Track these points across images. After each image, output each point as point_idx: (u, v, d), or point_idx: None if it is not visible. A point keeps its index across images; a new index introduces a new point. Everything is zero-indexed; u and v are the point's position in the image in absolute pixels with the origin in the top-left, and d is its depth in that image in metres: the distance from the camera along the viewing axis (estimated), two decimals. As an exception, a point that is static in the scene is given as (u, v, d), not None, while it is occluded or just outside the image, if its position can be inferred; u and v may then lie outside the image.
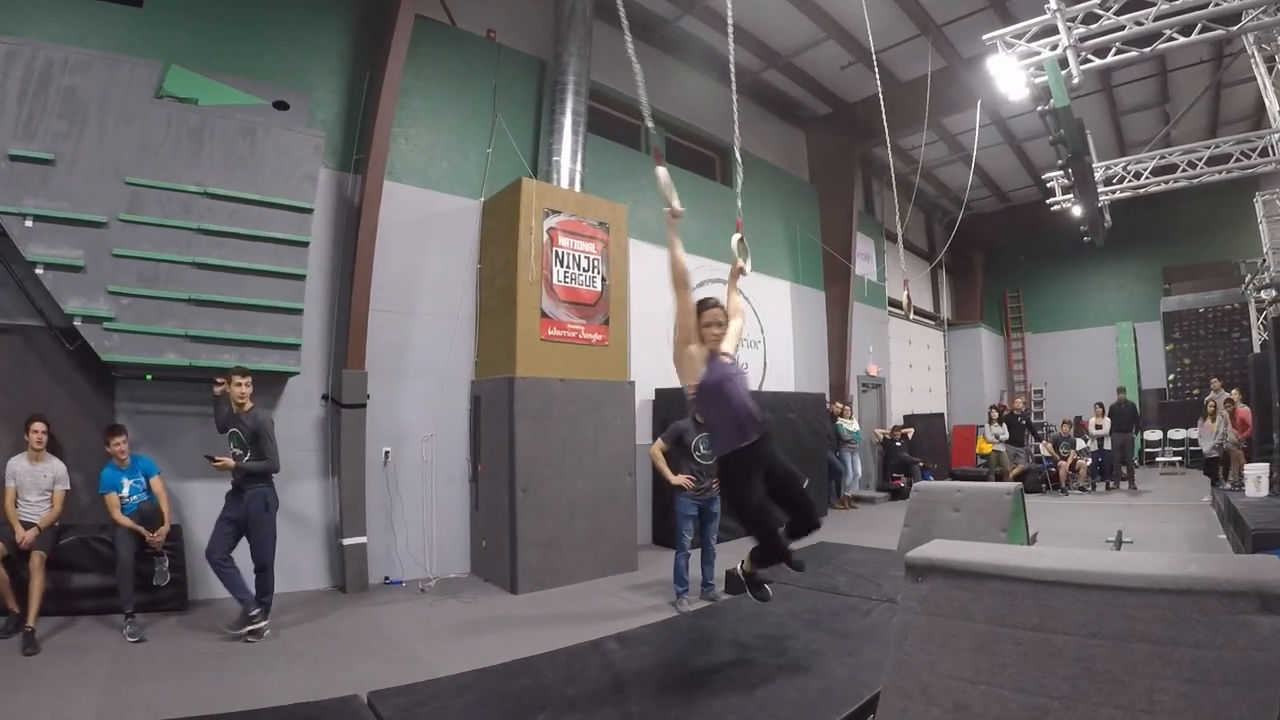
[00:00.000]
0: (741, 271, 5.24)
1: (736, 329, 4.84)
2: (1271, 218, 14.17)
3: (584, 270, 9.39)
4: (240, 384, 6.62)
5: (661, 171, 4.61)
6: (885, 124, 10.93)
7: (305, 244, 7.81)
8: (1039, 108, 8.86)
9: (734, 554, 8.69)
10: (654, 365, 11.17)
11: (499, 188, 9.57)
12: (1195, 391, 19.20)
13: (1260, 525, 8.16)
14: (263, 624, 6.41)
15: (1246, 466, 11.32)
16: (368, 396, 8.44)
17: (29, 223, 6.59)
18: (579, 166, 10.07)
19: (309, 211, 7.84)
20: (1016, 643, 3.09)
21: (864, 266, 17.78)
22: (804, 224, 16.20)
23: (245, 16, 8.20)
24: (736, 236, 5.31)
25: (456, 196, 9.61)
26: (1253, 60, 10.45)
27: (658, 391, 11.35)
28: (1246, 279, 17.22)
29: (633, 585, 8.49)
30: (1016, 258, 25.10)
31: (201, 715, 3.84)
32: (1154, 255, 22.09)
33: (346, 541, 8.28)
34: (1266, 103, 10.75)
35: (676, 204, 4.56)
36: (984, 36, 8.91)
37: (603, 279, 9.57)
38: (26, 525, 6.31)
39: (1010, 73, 8.62)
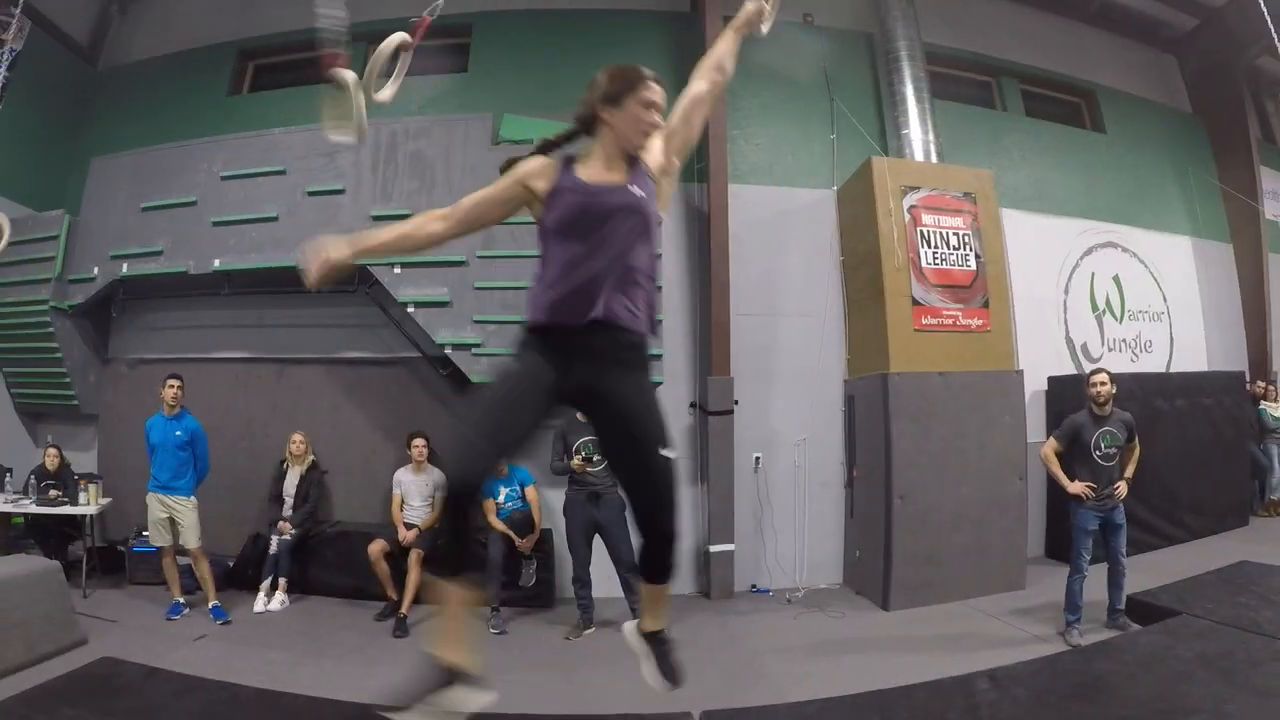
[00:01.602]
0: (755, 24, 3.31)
1: (682, 136, 2.89)
2: None
3: (954, 249, 8.52)
4: None
5: None
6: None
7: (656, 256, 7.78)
8: None
9: (1147, 571, 7.61)
10: (1044, 350, 10.06)
11: (850, 173, 9.08)
12: None
13: None
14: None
15: None
16: (735, 402, 8.38)
17: (397, 270, 7.98)
18: (931, 136, 9.28)
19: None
20: None
21: (1275, 208, 14.64)
22: (1195, 164, 13.52)
23: (560, 55, 9.09)
24: None
25: (808, 189, 9.35)
26: None
27: (1050, 380, 9.93)
28: None
29: (1019, 608, 7.46)
30: None
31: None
32: None
33: (713, 549, 8.34)
34: None
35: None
36: None
37: (976, 256, 8.61)
38: (409, 527, 7.52)
39: None
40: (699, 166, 8.62)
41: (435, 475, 7.60)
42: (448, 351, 7.92)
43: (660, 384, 7.81)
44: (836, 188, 9.37)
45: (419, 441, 7.76)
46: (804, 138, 9.46)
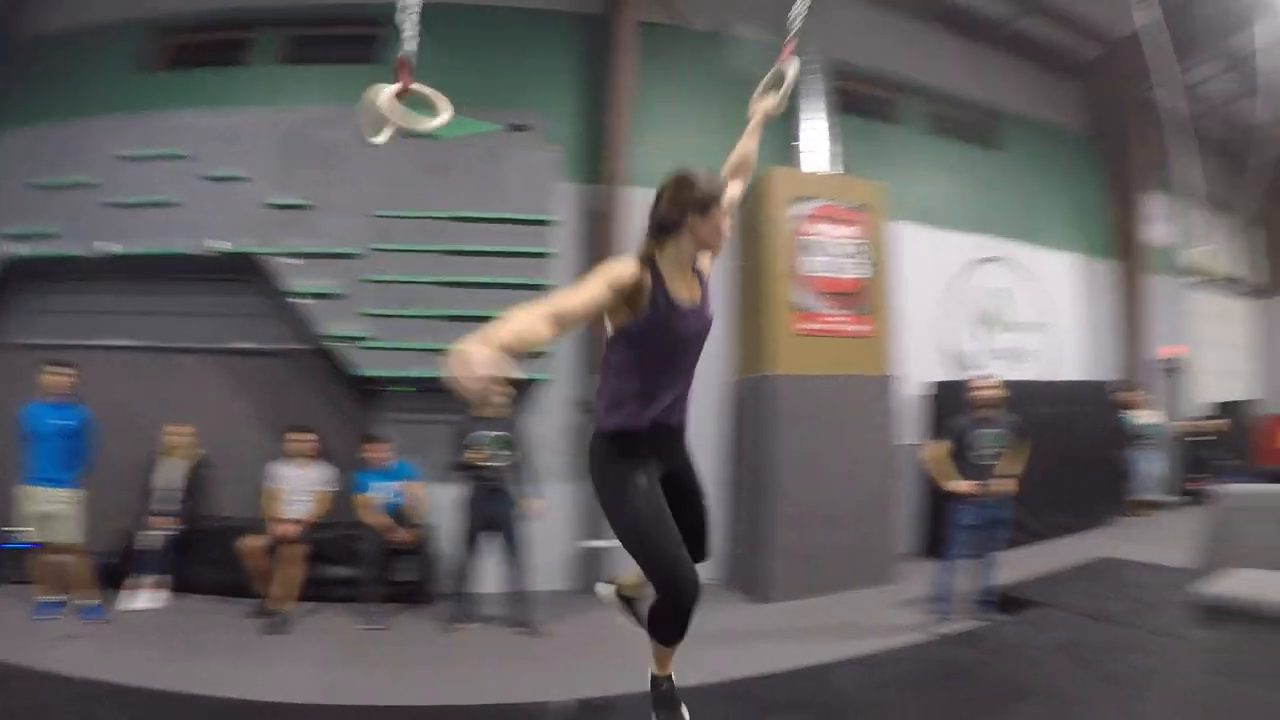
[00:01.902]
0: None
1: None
2: None
3: (843, 257, 8.89)
4: (501, 391, 6.86)
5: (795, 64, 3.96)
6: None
7: (549, 255, 8.14)
8: None
9: (1015, 566, 7.96)
10: (927, 357, 10.56)
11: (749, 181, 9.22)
12: None
13: None
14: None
15: None
16: None
17: (290, 260, 7.93)
18: (833, 149, 9.70)
19: (552, 224, 8.25)
20: None
21: (1157, 231, 15.49)
22: (1085, 186, 14.43)
23: (472, 50, 8.97)
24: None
25: None
26: None
27: (932, 385, 10.46)
28: None
29: (892, 601, 7.90)
30: None
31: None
32: None
33: (588, 544, 8.44)
34: None
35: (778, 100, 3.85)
36: None
37: (864, 265, 9.01)
38: (287, 521, 7.28)
39: None
40: (597, 169, 8.79)
41: (320, 471, 7.63)
42: (331, 344, 7.91)
43: (547, 381, 8.06)
44: None
45: (297, 435, 7.62)
46: (707, 145, 9.38)
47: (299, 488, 7.50)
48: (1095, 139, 14.80)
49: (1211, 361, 17.23)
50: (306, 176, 8.14)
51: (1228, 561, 6.78)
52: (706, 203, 2.86)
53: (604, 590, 3.83)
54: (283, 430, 7.77)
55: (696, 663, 5.71)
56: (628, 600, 3.75)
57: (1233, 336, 18.68)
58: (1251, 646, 2.56)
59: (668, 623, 2.99)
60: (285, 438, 7.67)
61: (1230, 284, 18.74)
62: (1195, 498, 12.69)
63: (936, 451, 7.02)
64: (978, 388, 7.04)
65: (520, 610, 6.95)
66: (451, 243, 7.94)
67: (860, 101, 11.32)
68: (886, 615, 7.35)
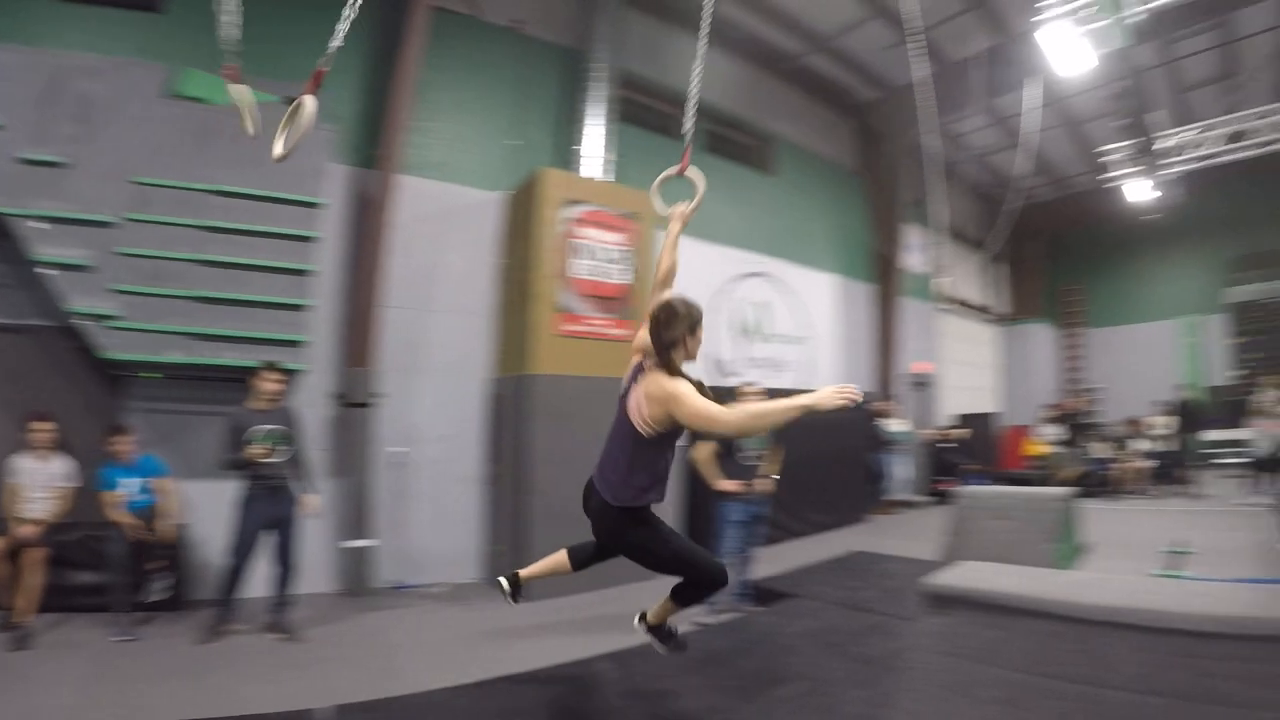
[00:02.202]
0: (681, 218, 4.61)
1: None
2: None
3: (609, 262, 9.17)
4: (273, 380, 6.67)
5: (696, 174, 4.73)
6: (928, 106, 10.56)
7: (315, 239, 7.78)
8: (1098, 50, 8.33)
9: (773, 560, 8.55)
10: (689, 363, 11.01)
11: (522, 180, 9.43)
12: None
13: None
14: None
15: None
16: (375, 395, 8.38)
17: (38, 224, 6.83)
18: (609, 156, 9.98)
19: (320, 206, 7.85)
20: (1056, 697, 2.64)
21: (913, 259, 17.29)
22: (850, 214, 15.82)
23: (262, 16, 7.99)
24: (673, 170, 4.90)
25: (480, 190, 9.51)
26: None
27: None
28: None
29: (654, 594, 8.04)
30: (1077, 249, 23.86)
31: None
32: (1223, 244, 20.65)
33: (353, 544, 8.22)
34: None
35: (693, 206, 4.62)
36: None
37: (629, 272, 9.33)
38: (27, 521, 6.39)
39: (1064, 38, 8.16)
40: (375, 153, 8.60)
41: (61, 464, 6.73)
42: (79, 322, 6.96)
43: (304, 371, 7.78)
44: (506, 192, 9.60)
45: (42, 424, 6.67)
46: (486, 139, 9.65)
47: (38, 483, 6.60)
48: (862, 173, 16.24)
49: (957, 378, 19.71)
50: (63, 131, 7.06)
51: (965, 554, 7.74)
52: (695, 324, 3.87)
53: (639, 627, 4.78)
54: (23, 417, 6.74)
55: (458, 663, 5.79)
56: (656, 628, 4.68)
57: (977, 357, 21.44)
58: (971, 629, 2.90)
59: (698, 597, 4.33)
60: (26, 426, 6.67)
61: (977, 310, 20.88)
62: (940, 498, 14.65)
63: (704, 452, 7.32)
64: (744, 394, 7.44)
65: (283, 615, 6.62)
66: (214, 218, 7.37)
67: (642, 113, 11.77)
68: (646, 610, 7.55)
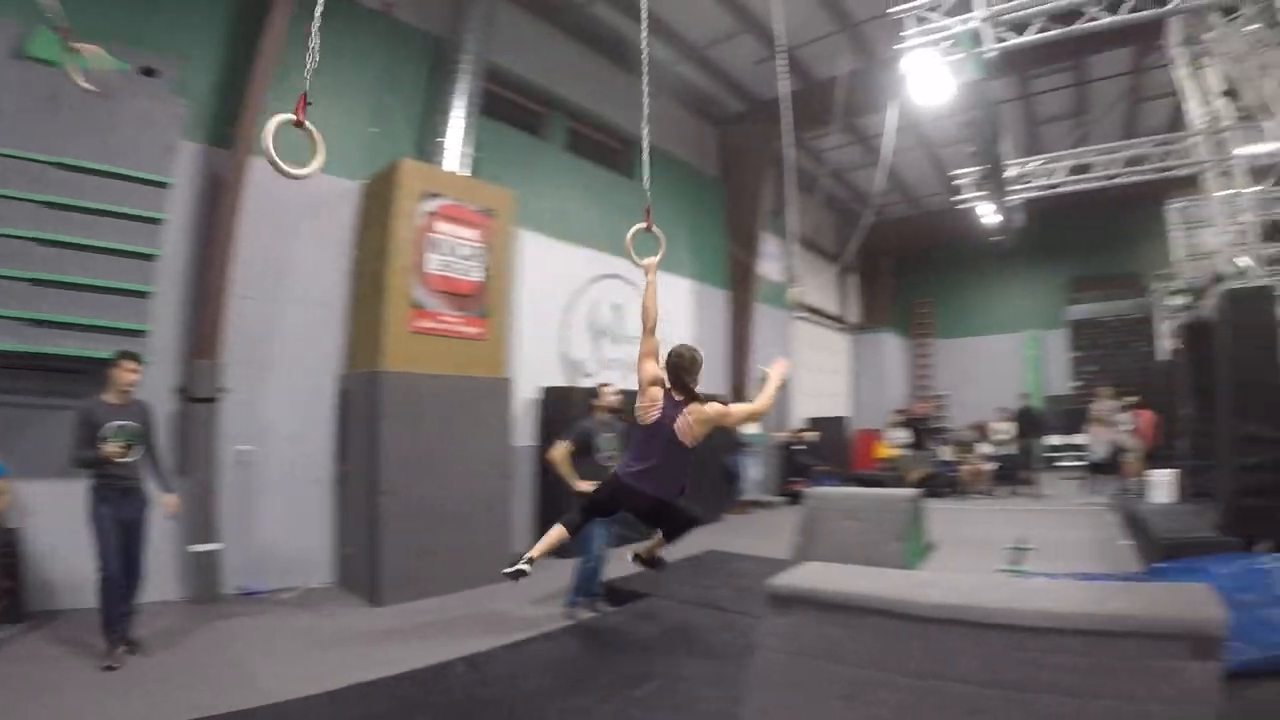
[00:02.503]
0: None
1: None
2: (1183, 225, 14.62)
3: (463, 259, 9.17)
4: (132, 371, 6.20)
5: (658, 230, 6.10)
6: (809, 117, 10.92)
7: (160, 220, 7.38)
8: (957, 80, 8.75)
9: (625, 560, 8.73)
10: (541, 362, 11.21)
11: (380, 169, 9.27)
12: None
13: (1167, 535, 8.30)
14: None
15: (1152, 473, 11.67)
16: (222, 389, 8.08)
17: None
18: (470, 150, 9.94)
19: (167, 186, 7.46)
20: (897, 690, 2.78)
21: (770, 267, 18.03)
22: (710, 221, 16.32)
23: None
24: (641, 225, 6.26)
25: (337, 177, 9.08)
26: (1173, 64, 11.18)
27: (544, 390, 11.16)
28: (1154, 289, 17.93)
29: (506, 598, 8.08)
30: (927, 264, 26.04)
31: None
32: (1063, 266, 23.34)
33: (197, 548, 7.84)
34: (1185, 107, 11.43)
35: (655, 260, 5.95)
36: (892, 10, 8.78)
37: (484, 269, 9.36)
38: None
39: (925, 66, 8.57)
40: (228, 132, 8.21)
41: None
42: None
43: (144, 363, 7.02)
44: (364, 180, 9.40)
45: None
46: (347, 124, 9.40)
47: None
48: (724, 181, 16.57)
49: (811, 384, 20.72)
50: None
51: (815, 553, 8.29)
52: (700, 365, 5.30)
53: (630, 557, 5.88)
54: None
55: (312, 672, 5.64)
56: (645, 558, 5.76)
57: (830, 363, 22.59)
58: (815, 628, 3.04)
59: (682, 536, 5.51)
60: None
61: (830, 319, 21.84)
62: (792, 498, 15.27)
63: (561, 452, 7.31)
64: (603, 394, 7.68)
65: (126, 627, 6.07)
66: (54, 194, 6.80)
67: (506, 108, 11.83)
68: (503, 612, 7.60)
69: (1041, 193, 13.71)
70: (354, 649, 6.48)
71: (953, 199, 15.30)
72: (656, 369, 5.26)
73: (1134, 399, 15.27)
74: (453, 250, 9.06)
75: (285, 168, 3.95)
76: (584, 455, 7.30)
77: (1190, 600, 2.71)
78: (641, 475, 5.13)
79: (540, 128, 12.51)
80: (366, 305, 8.95)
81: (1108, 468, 14.70)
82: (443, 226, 8.97)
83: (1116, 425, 14.70)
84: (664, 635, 5.97)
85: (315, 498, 8.96)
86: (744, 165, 16.42)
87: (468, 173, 9.84)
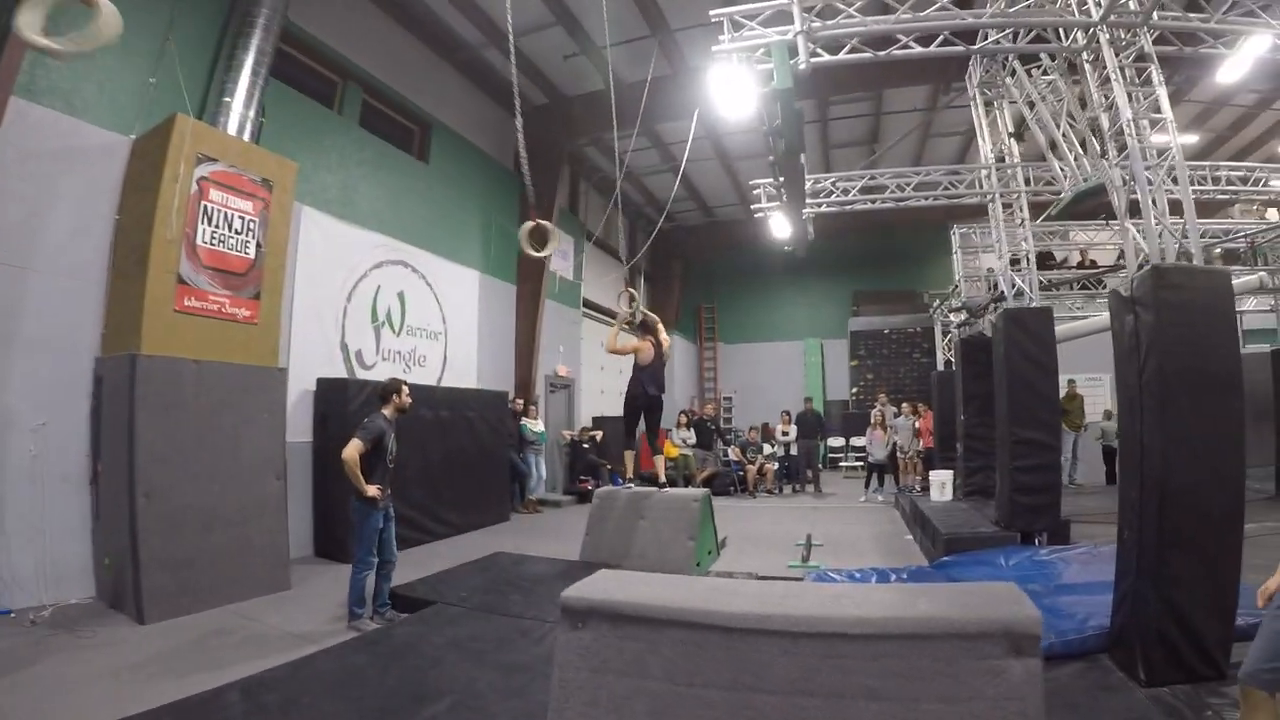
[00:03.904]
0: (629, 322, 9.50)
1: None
2: (965, 248, 16.04)
3: (236, 232, 8.53)
4: None
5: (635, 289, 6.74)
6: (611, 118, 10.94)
7: None
8: (762, 91, 8.86)
9: (413, 565, 8.60)
10: (317, 351, 10.74)
11: (153, 125, 8.39)
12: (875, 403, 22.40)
13: (951, 530, 9.44)
14: None
15: (932, 473, 13.26)
16: None
17: None
18: (253, 114, 9.27)
19: None
20: (710, 705, 2.73)
21: (560, 264, 18.18)
22: (501, 213, 16.21)
23: None
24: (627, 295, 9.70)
25: (105, 130, 8.22)
26: (972, 101, 12.55)
27: (320, 381, 10.60)
28: (934, 305, 19.34)
29: (285, 609, 7.67)
30: (717, 271, 28.04)
31: None
32: (846, 280, 26.37)
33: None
34: (978, 141, 12.76)
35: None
36: (713, 12, 8.75)
37: (258, 245, 8.76)
38: None
39: (733, 75, 8.70)
40: None
41: None
42: None
43: None
44: (136, 136, 8.42)
45: None
46: (121, 71, 8.37)
47: None
48: (518, 173, 16.32)
49: (597, 382, 21.18)
50: None
51: (605, 552, 8.83)
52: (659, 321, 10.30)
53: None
54: None
55: (61, 708, 5.00)
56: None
57: (616, 362, 22.57)
58: (613, 642, 2.92)
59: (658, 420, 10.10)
60: None
61: (615, 317, 22.38)
62: (581, 496, 15.91)
63: (353, 452, 6.89)
64: (402, 393, 7.41)
65: None
66: None
67: (299, 72, 11.26)
68: (280, 626, 7.10)
69: (834, 209, 14.40)
70: (119, 676, 5.76)
71: (750, 208, 15.85)
72: (632, 342, 10.18)
73: (917, 403, 17.28)
74: (226, 222, 8.44)
75: (53, 44, 3.48)
76: (375, 456, 7.06)
77: (1002, 599, 2.83)
78: (654, 387, 9.62)
79: (333, 98, 11.98)
80: (128, 278, 7.98)
81: (884, 467, 16.62)
82: (216, 195, 8.33)
83: (895, 429, 16.57)
84: (454, 646, 5.80)
85: (69, 500, 7.82)
86: (540, 159, 16.20)
87: (249, 139, 9.17)
